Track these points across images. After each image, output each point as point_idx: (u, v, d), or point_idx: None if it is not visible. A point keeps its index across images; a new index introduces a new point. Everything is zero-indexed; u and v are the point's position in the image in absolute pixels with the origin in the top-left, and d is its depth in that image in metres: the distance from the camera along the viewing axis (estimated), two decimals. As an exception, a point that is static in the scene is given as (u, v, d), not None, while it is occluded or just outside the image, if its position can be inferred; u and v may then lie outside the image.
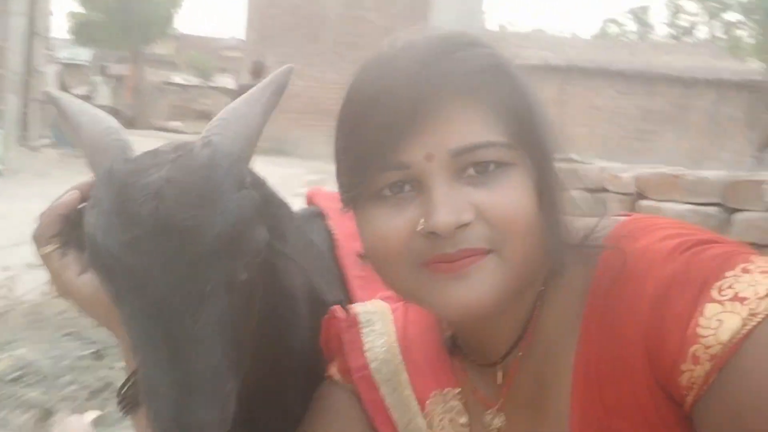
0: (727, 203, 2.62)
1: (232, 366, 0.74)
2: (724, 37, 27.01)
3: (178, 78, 27.26)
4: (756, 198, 2.51)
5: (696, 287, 0.64)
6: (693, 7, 28.55)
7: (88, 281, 0.83)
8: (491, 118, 0.70)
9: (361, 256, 0.85)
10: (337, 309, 1.00)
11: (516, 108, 0.71)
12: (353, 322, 0.97)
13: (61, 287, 0.85)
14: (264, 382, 1.01)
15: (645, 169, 2.99)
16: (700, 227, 0.76)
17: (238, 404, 0.88)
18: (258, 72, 9.39)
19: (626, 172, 3.01)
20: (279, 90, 0.88)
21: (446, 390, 0.87)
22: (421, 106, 0.68)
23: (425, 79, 0.69)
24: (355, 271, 1.48)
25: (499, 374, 0.82)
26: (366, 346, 0.95)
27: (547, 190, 0.73)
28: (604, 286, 0.72)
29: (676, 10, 28.90)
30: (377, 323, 0.97)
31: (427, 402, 0.88)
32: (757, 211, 2.48)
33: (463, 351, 0.87)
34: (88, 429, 2.17)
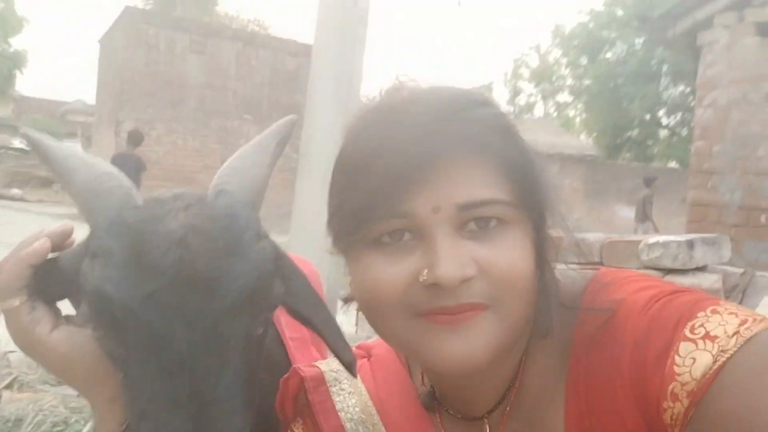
0: (607, 262, 2.79)
1: (247, 415, 0.69)
2: (556, 115, 30.06)
3: (17, 142, 25.28)
4: (633, 256, 2.70)
5: (670, 328, 0.67)
6: (530, 88, 31.52)
7: (63, 338, 0.74)
8: (498, 177, 0.71)
9: (347, 300, 0.84)
10: (299, 369, 0.94)
11: (520, 168, 0.72)
12: (320, 381, 0.93)
13: (29, 344, 0.76)
14: None
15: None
16: (665, 280, 0.79)
17: None
18: (137, 141, 8.88)
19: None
20: (284, 140, 0.86)
21: None
22: (431, 159, 0.68)
23: (437, 134, 0.69)
24: (290, 333, 1.40)
25: (486, 428, 0.81)
26: (338, 406, 0.91)
27: (543, 250, 0.74)
28: (586, 337, 0.74)
29: (516, 91, 31.72)
30: (344, 382, 0.93)
31: None
32: (633, 269, 2.67)
33: (443, 406, 0.86)
34: None
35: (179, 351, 0.63)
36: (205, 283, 0.65)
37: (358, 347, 1.01)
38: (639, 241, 2.66)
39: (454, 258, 0.68)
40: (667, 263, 2.55)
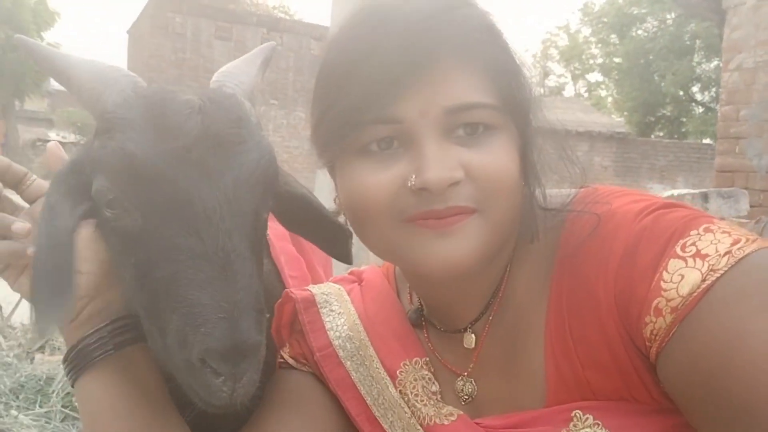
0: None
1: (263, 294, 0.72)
2: (587, 95, 29.56)
3: (53, 135, 25.87)
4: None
5: (661, 243, 0.67)
6: (559, 68, 31.04)
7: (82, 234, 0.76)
8: (484, 80, 0.70)
9: (336, 213, 0.86)
10: (291, 292, 0.97)
11: (506, 72, 0.72)
12: (311, 303, 0.95)
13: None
14: None
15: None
16: (658, 196, 0.78)
17: None
18: None
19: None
20: (267, 60, 0.91)
21: (415, 359, 0.87)
22: (419, 61, 0.68)
23: (424, 34, 0.68)
24: (290, 271, 1.44)
25: (470, 338, 0.82)
26: (327, 326, 0.93)
27: (528, 155, 0.74)
28: (572, 247, 0.74)
29: (545, 72, 31.29)
30: (334, 304, 0.96)
31: (398, 372, 0.87)
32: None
33: (429, 322, 0.87)
34: None
35: (204, 206, 0.65)
36: (224, 147, 0.68)
37: (351, 273, 1.03)
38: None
39: (442, 161, 0.68)
40: (681, 216, 2.52)
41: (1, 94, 19.80)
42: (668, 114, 23.21)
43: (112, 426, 0.77)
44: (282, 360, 0.95)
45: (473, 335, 0.82)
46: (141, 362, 0.80)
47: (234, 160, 0.69)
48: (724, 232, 0.66)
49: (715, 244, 0.65)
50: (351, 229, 0.82)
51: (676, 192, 2.53)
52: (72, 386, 0.81)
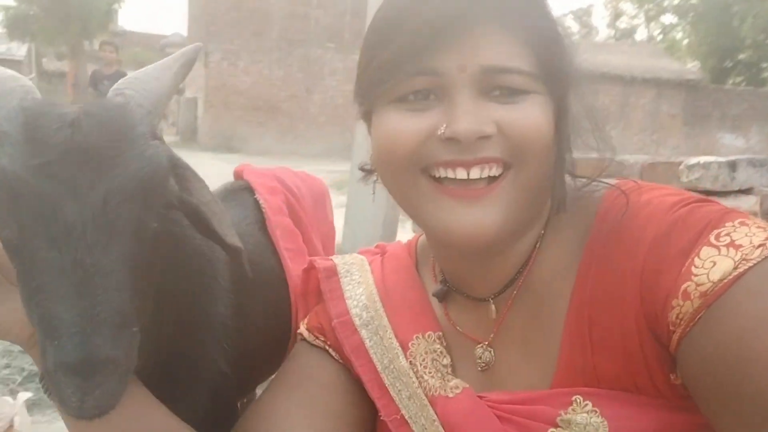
0: (648, 184, 2.72)
1: (136, 311, 0.72)
2: (661, 38, 28.04)
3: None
4: (673, 178, 2.61)
5: (695, 232, 0.67)
6: (632, 9, 29.46)
7: None
8: (523, 46, 0.71)
9: (363, 169, 0.89)
10: (315, 261, 1.01)
11: (546, 40, 0.73)
12: (332, 272, 0.99)
13: None
14: (180, 342, 1.03)
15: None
16: (693, 193, 0.77)
17: (156, 362, 0.91)
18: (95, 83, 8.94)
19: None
20: (188, 63, 0.90)
21: (428, 333, 0.88)
22: (461, 18, 0.69)
23: None
24: (286, 244, 1.51)
25: (492, 308, 0.83)
26: (346, 294, 0.97)
27: (563, 122, 0.74)
28: (604, 231, 0.74)
29: (617, 13, 29.78)
30: (355, 273, 0.99)
31: (410, 344, 0.89)
32: (673, 191, 2.60)
33: (453, 291, 0.88)
34: (20, 411, 2.12)
35: (66, 221, 0.68)
36: (95, 160, 0.69)
37: (377, 246, 1.07)
38: (680, 163, 2.56)
39: (475, 115, 0.69)
40: (707, 185, 2.45)
41: (70, 35, 20.40)
42: (746, 60, 21.84)
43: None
44: (300, 332, 1.00)
45: (494, 306, 0.83)
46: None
47: (106, 174, 0.69)
48: (759, 227, 0.66)
49: (750, 236, 0.65)
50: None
51: (702, 160, 2.45)
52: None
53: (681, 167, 2.55)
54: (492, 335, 0.83)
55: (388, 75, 0.73)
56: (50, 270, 0.68)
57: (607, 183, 0.79)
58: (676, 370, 0.68)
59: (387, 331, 0.91)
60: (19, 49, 24.12)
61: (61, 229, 0.68)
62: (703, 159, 2.47)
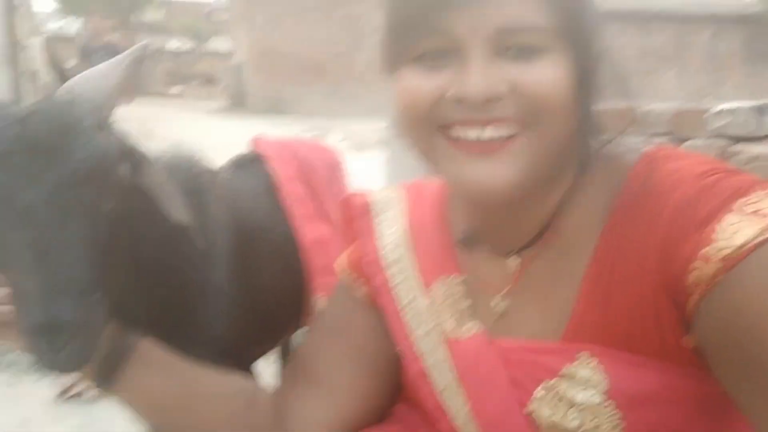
0: (675, 133, 2.73)
1: (97, 279, 0.82)
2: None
3: (171, 44, 27.09)
4: (700, 126, 2.61)
5: (721, 199, 0.67)
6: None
7: None
8: (541, 2, 0.69)
9: (393, 126, 0.94)
10: (354, 195, 1.05)
11: None
12: (366, 210, 1.02)
13: None
14: (174, 308, 1.17)
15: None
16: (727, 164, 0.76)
17: (152, 326, 1.02)
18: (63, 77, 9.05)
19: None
20: (138, 59, 0.98)
21: (451, 276, 0.91)
22: None
23: None
24: (299, 210, 1.63)
25: (514, 261, 0.84)
26: (377, 234, 0.99)
27: (584, 79, 0.73)
28: (632, 194, 0.74)
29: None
30: (390, 211, 1.01)
31: (432, 285, 0.92)
32: (701, 139, 2.59)
33: (476, 241, 0.90)
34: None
35: (23, 204, 0.78)
36: (44, 152, 0.79)
37: (413, 182, 1.07)
38: (707, 110, 2.56)
39: (484, 75, 0.69)
40: (735, 131, 2.44)
41: (120, 6, 20.83)
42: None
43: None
44: (337, 266, 1.05)
45: (516, 260, 0.84)
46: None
47: (54, 163, 0.80)
48: None
49: None
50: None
51: (728, 106, 2.44)
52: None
53: (707, 115, 2.56)
54: (510, 286, 0.85)
55: (403, 35, 0.74)
56: (15, 247, 0.79)
57: (638, 147, 0.78)
58: (689, 333, 0.69)
59: (412, 270, 0.94)
60: (72, 26, 24.73)
61: (19, 211, 0.79)
62: (729, 105, 2.47)
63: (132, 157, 0.95)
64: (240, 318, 1.29)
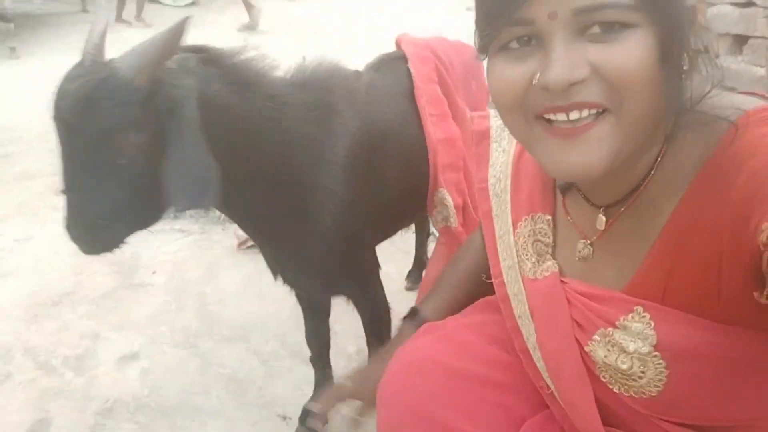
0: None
1: (122, 205, 1.16)
2: None
3: None
4: None
5: None
6: None
7: None
8: None
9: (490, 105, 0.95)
10: (479, 118, 1.11)
11: None
12: (484, 136, 1.08)
13: None
14: (286, 211, 1.40)
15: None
16: None
17: (268, 220, 1.36)
18: None
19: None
20: (178, 32, 1.12)
21: (538, 215, 0.96)
22: None
23: None
24: (430, 110, 1.73)
25: (601, 218, 0.86)
26: (491, 161, 1.06)
27: (671, 51, 0.71)
28: (718, 162, 0.74)
29: None
30: (505, 139, 1.06)
31: (518, 224, 0.98)
32: None
33: (573, 190, 0.93)
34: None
35: (62, 150, 1.14)
36: (68, 124, 1.10)
37: None
38: None
39: (565, 61, 0.69)
40: None
41: None
42: None
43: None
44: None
45: (604, 218, 0.86)
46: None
47: (88, 116, 1.08)
48: None
49: None
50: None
51: None
52: None
53: None
54: (595, 237, 0.89)
55: (489, 25, 0.75)
56: (64, 177, 1.15)
57: (739, 106, 0.75)
58: (761, 289, 0.68)
59: (507, 206, 1.01)
60: None
61: (64, 152, 1.14)
62: None
63: (168, 102, 1.13)
64: (358, 214, 1.46)
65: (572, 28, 0.69)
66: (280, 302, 2.40)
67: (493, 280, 1.05)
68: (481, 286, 1.16)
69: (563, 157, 0.74)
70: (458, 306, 1.19)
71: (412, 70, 1.76)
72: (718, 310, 0.75)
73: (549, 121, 0.74)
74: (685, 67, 0.74)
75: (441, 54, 1.85)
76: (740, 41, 3.95)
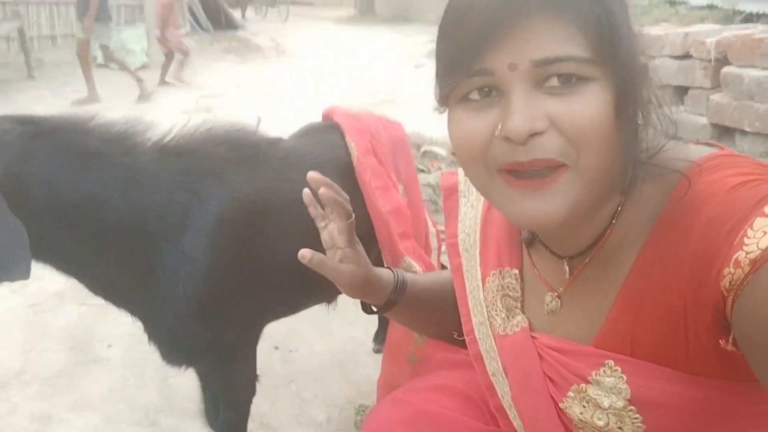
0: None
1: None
2: None
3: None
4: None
5: (751, 204, 0.68)
6: None
7: None
8: (575, 32, 0.70)
9: (454, 153, 0.94)
10: (447, 174, 1.12)
11: (601, 23, 0.71)
12: (453, 190, 1.09)
13: None
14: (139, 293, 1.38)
15: (728, 33, 2.82)
16: None
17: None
18: None
19: (710, 37, 2.85)
20: None
21: (505, 269, 0.96)
22: (510, 15, 0.70)
23: None
24: (374, 183, 1.70)
25: (566, 268, 0.87)
26: (460, 216, 1.06)
27: (627, 105, 0.73)
28: (672, 213, 0.76)
29: None
30: (473, 194, 1.07)
31: (487, 279, 0.98)
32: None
33: (537, 243, 0.93)
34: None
35: None
36: None
37: None
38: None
39: (525, 112, 0.70)
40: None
41: None
42: None
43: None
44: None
45: (568, 267, 0.87)
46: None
47: None
48: None
49: None
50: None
51: None
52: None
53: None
54: (562, 288, 0.89)
55: (449, 78, 0.75)
56: None
57: (692, 155, 0.78)
58: (727, 336, 0.70)
59: (476, 262, 1.01)
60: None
61: None
62: None
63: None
64: (226, 286, 1.40)
65: (531, 80, 0.71)
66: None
67: (465, 337, 1.03)
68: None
69: (524, 206, 0.74)
70: (431, 295, 1.16)
71: (350, 142, 1.74)
72: (687, 360, 0.75)
73: (510, 172, 0.74)
74: (639, 121, 0.76)
75: (372, 128, 1.84)
76: (681, 92, 4.15)
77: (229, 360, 1.54)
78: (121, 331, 2.70)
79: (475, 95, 0.75)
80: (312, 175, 0.97)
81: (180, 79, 8.99)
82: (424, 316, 1.16)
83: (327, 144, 1.73)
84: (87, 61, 7.77)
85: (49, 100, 7.68)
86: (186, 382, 2.30)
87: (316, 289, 1.67)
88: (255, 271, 1.46)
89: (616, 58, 0.71)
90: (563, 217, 0.74)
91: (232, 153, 1.43)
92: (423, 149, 4.40)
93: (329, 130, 1.80)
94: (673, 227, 0.75)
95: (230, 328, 1.50)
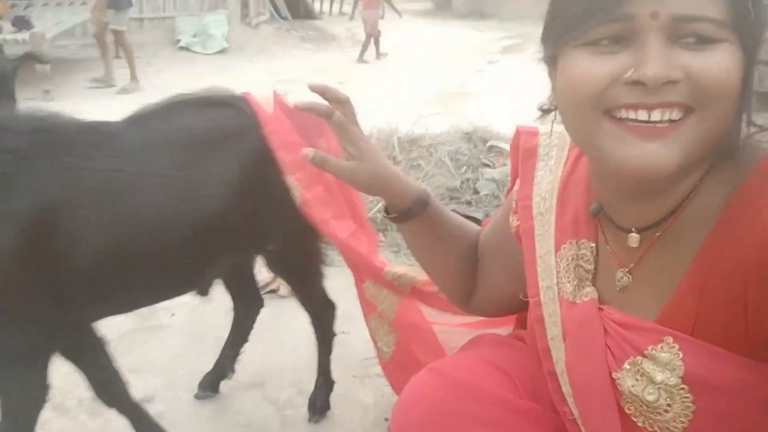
0: None
1: None
2: None
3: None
4: None
5: None
6: None
7: None
8: None
9: (542, 110, 0.94)
10: (527, 134, 1.10)
11: None
12: (532, 152, 1.09)
13: None
14: None
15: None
16: None
17: None
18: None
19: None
20: None
21: (582, 241, 0.96)
22: None
23: None
24: (296, 174, 1.68)
25: (634, 237, 0.86)
26: (536, 180, 1.06)
27: (750, 71, 0.75)
28: (748, 192, 0.76)
29: None
30: (552, 158, 1.06)
31: (562, 246, 0.98)
32: None
33: (605, 217, 0.93)
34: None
35: None
36: None
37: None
38: None
39: (663, 59, 0.71)
40: None
41: None
42: None
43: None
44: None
45: (635, 238, 0.86)
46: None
47: None
48: None
49: None
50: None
51: None
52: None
53: None
54: (632, 264, 0.88)
55: (584, 21, 0.75)
56: None
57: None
58: None
59: (551, 227, 1.01)
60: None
61: None
62: None
63: None
64: (19, 280, 1.38)
65: (668, 32, 0.72)
66: (297, 349, 2.39)
67: (529, 299, 1.03)
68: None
69: (636, 151, 0.73)
70: (449, 228, 1.20)
71: (291, 181, 1.66)
72: (746, 344, 0.75)
73: (620, 119, 0.74)
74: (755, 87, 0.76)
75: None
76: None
77: (11, 365, 1.44)
78: (183, 301, 2.80)
79: (603, 41, 0.75)
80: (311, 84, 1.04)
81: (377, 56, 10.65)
82: (437, 247, 1.19)
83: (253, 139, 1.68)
84: (105, 44, 8.06)
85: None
86: (241, 354, 2.38)
87: (178, 278, 1.67)
88: (48, 269, 1.40)
89: (749, 26, 0.73)
90: (675, 166, 0.73)
91: (37, 134, 1.39)
92: (489, 143, 4.36)
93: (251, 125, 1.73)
94: (747, 209, 0.75)
95: (16, 331, 1.40)
